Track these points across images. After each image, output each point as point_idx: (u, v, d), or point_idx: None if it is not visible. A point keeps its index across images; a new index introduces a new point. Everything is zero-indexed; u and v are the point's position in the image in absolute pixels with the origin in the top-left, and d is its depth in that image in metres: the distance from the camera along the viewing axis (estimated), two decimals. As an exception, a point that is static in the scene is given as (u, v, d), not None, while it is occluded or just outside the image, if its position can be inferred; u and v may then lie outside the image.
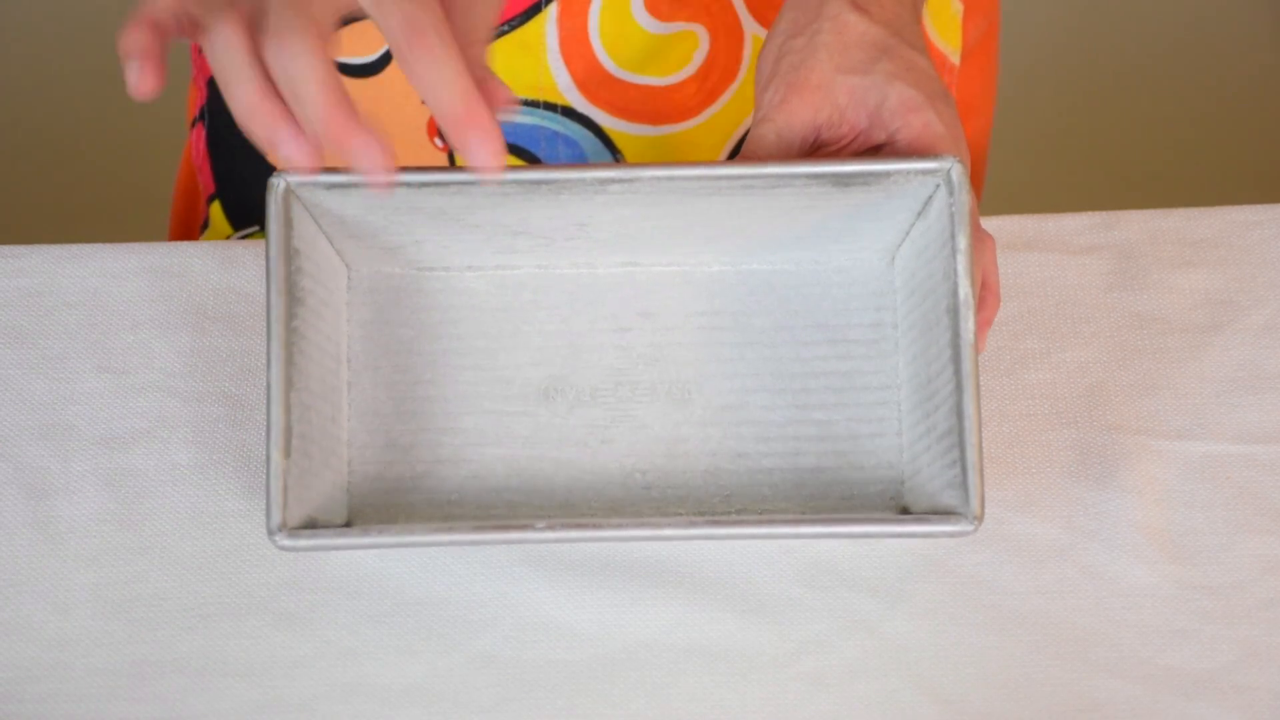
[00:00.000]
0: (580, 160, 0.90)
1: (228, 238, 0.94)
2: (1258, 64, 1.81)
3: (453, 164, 0.89)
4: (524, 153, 0.90)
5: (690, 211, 0.72)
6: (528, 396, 0.74)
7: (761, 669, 0.73)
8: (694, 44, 0.89)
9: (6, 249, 0.83)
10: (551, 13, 0.87)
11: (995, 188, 1.81)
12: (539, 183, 0.70)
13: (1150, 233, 0.84)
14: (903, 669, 0.73)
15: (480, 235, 0.73)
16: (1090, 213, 0.84)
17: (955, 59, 0.95)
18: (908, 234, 0.73)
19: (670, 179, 0.70)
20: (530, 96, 0.88)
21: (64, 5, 1.76)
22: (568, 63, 0.88)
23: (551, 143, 0.89)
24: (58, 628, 0.74)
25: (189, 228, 1.01)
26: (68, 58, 1.74)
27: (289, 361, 0.68)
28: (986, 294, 0.73)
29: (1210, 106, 1.79)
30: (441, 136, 0.89)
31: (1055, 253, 0.83)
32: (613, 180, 0.70)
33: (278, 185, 0.69)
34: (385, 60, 0.88)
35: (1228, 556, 0.76)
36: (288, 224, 0.69)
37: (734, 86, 0.90)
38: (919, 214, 0.72)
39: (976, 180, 1.00)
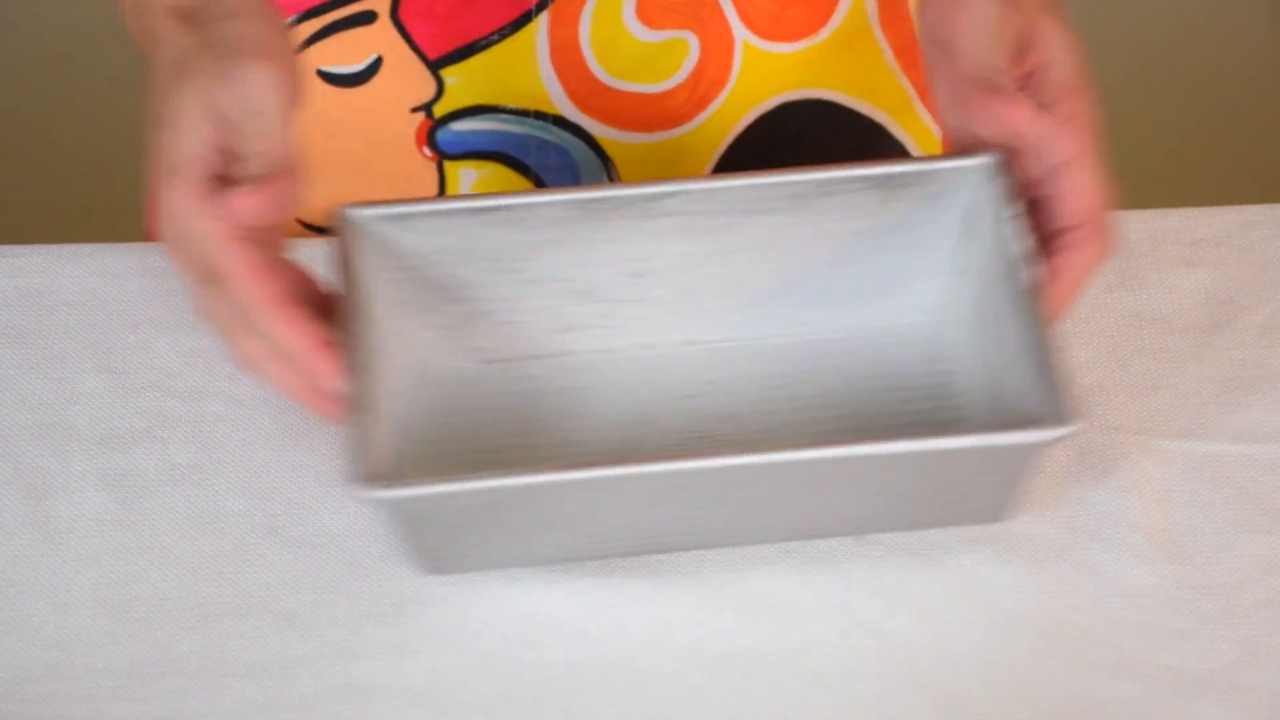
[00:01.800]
0: (571, 168, 0.90)
1: None
2: (1258, 64, 1.81)
3: (441, 172, 0.90)
4: (515, 161, 0.89)
5: (743, 244, 0.73)
6: (597, 453, 0.75)
7: (761, 669, 0.73)
8: (684, 51, 0.88)
9: (6, 249, 0.83)
10: (542, 22, 0.87)
11: (995, 188, 1.81)
12: (592, 201, 0.71)
13: (1150, 233, 0.84)
14: (903, 669, 0.73)
15: (543, 300, 0.74)
16: (1090, 213, 0.84)
17: None
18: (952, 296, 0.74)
19: (721, 190, 0.72)
20: (521, 106, 0.88)
21: (65, 5, 1.76)
22: (559, 72, 0.88)
23: (542, 151, 0.89)
24: (58, 628, 0.74)
25: None
26: (68, 57, 1.74)
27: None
28: (1087, 232, 0.73)
29: (1210, 106, 1.79)
30: (430, 145, 0.89)
31: (1055, 253, 0.83)
32: (664, 195, 0.71)
33: (347, 217, 0.73)
34: (373, 70, 0.88)
35: (1228, 556, 0.76)
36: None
37: (724, 93, 0.90)
38: (962, 234, 0.73)
39: None
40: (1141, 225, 0.84)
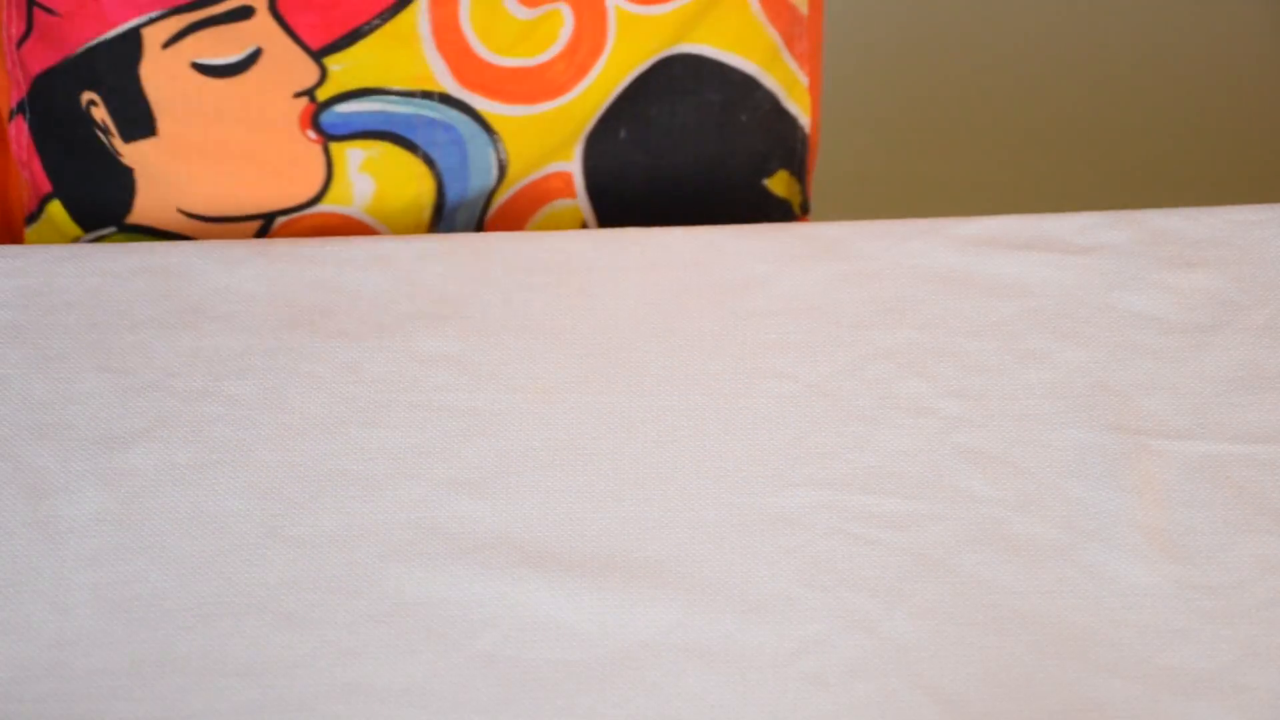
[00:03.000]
0: (459, 143, 0.91)
1: (75, 239, 0.93)
2: (1258, 64, 1.81)
3: (327, 154, 0.90)
4: (402, 140, 0.91)
5: None
6: None
7: (761, 669, 0.73)
8: (559, 22, 0.90)
9: (6, 249, 0.83)
10: (423, 3, 0.88)
11: (995, 187, 1.81)
12: None
13: (1150, 233, 0.84)
14: (903, 669, 0.73)
15: None
16: (1090, 213, 0.84)
17: (804, 8, 0.98)
18: None
19: None
20: (408, 87, 0.89)
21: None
22: (442, 51, 0.89)
23: (430, 129, 0.91)
24: (57, 628, 0.74)
25: (7, 220, 0.99)
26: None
27: None
28: None
29: (1210, 106, 1.79)
30: (315, 128, 0.89)
31: (1055, 253, 0.83)
32: None
33: None
34: (252, 59, 0.88)
35: (1228, 556, 0.76)
36: None
37: (602, 59, 0.92)
38: None
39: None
40: (1141, 225, 0.84)
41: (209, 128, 0.89)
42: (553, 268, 0.85)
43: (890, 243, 0.85)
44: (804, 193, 1.04)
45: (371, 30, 0.88)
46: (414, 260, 0.84)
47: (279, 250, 0.83)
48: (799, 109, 0.99)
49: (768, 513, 0.77)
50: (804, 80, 0.99)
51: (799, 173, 1.01)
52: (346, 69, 0.88)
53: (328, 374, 0.80)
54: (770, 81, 0.98)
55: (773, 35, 0.97)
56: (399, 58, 0.88)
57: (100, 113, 0.89)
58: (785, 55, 0.98)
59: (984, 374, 0.81)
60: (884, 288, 0.84)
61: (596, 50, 0.91)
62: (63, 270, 0.82)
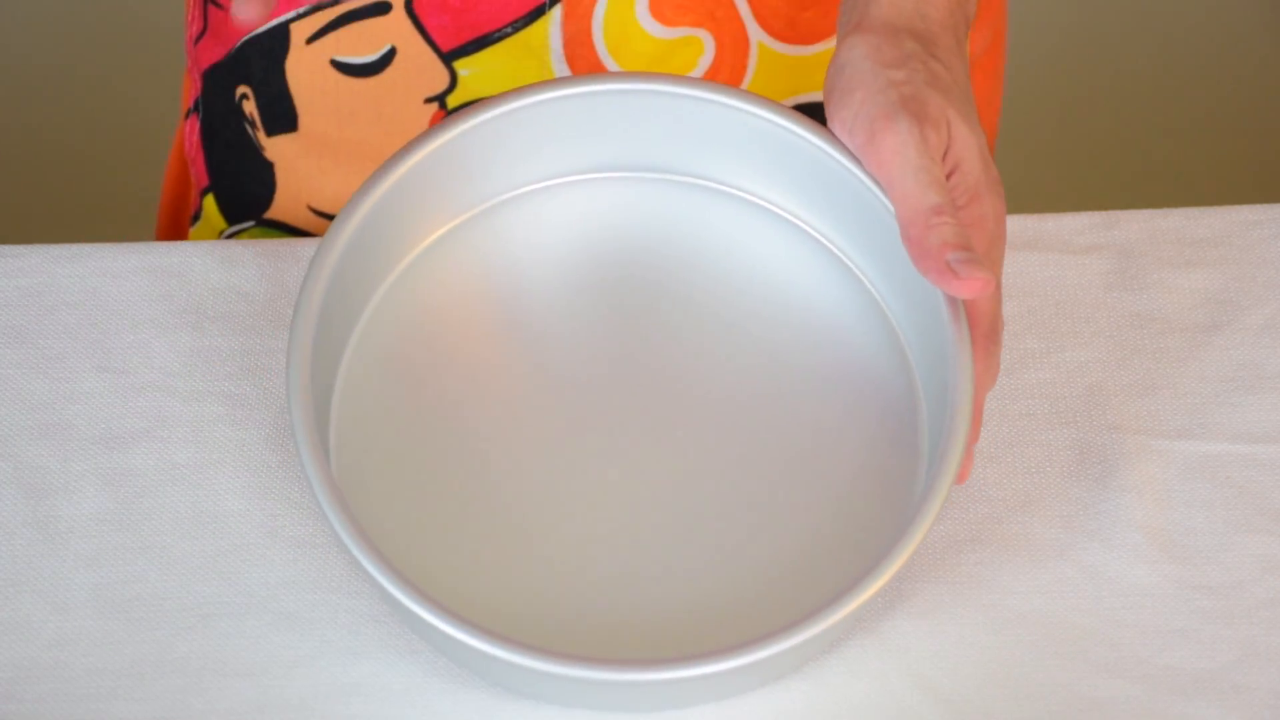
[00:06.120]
0: None
1: (220, 232, 0.93)
2: (1258, 64, 1.81)
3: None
4: None
5: None
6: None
7: (761, 669, 0.73)
8: (699, 49, 0.88)
9: (6, 249, 0.83)
10: (555, 15, 0.87)
11: (995, 188, 1.81)
12: None
13: (1150, 233, 0.84)
14: (903, 669, 0.73)
15: None
16: (1090, 213, 0.84)
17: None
18: None
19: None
20: None
21: (63, 4, 1.76)
22: (571, 65, 0.88)
23: None
24: (57, 628, 0.74)
25: (179, 218, 1.00)
26: (67, 57, 1.74)
27: None
28: (977, 344, 0.72)
29: (1210, 106, 1.79)
30: None
31: (1055, 253, 0.83)
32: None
33: None
34: (386, 60, 0.88)
35: (1228, 556, 0.76)
36: None
37: None
38: None
39: None
40: (1141, 225, 0.84)
41: (343, 127, 0.89)
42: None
43: (890, 243, 0.85)
44: None
45: (502, 38, 0.87)
46: (414, 260, 0.84)
47: (279, 250, 0.83)
48: None
49: (768, 513, 0.76)
50: None
51: None
52: (475, 74, 0.88)
53: (328, 374, 0.80)
54: None
55: None
56: (525, 67, 0.88)
57: (250, 106, 0.90)
58: None
59: (984, 374, 0.80)
60: (884, 288, 0.84)
61: (734, 83, 0.89)
62: (63, 270, 0.81)
